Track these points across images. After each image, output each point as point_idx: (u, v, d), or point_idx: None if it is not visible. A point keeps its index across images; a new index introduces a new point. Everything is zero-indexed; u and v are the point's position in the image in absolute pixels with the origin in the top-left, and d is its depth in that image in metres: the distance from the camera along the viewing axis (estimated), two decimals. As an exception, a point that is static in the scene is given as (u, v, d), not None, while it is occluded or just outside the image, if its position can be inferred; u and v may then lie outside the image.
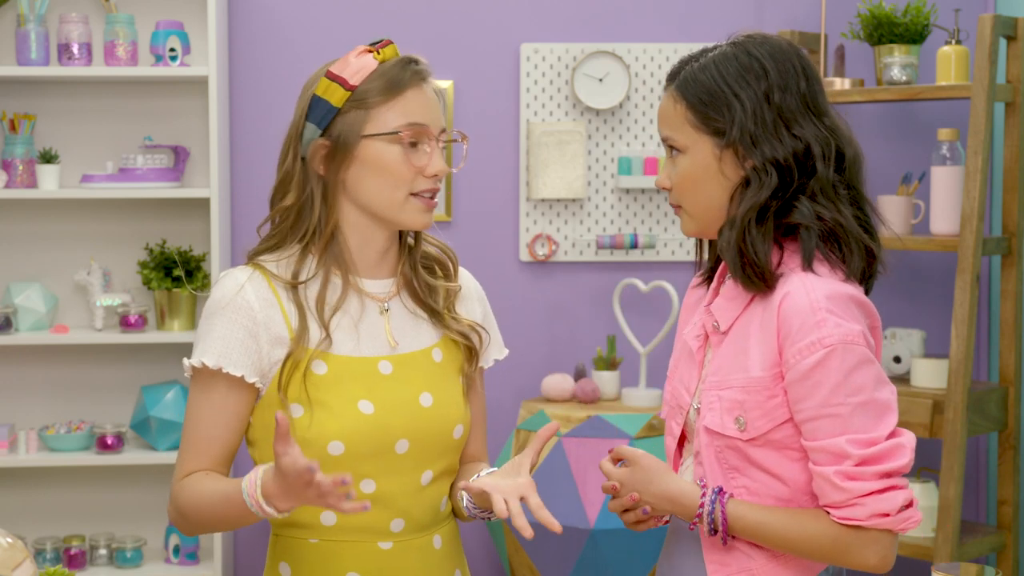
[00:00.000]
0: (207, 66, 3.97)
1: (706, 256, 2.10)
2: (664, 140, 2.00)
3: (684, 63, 1.99)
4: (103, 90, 4.19)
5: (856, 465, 1.85)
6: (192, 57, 4.13)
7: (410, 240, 2.14)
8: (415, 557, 2.06)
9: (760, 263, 1.91)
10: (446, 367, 2.12)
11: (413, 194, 2.04)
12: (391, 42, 2.07)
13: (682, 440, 2.07)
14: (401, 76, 2.03)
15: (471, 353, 2.15)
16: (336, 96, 2.02)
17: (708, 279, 2.10)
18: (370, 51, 2.05)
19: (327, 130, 2.03)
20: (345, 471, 2.02)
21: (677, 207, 2.01)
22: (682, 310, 2.15)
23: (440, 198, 4.25)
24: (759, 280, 1.92)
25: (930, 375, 3.87)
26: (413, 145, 2.03)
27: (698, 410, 1.98)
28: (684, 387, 2.03)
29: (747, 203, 1.91)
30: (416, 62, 2.06)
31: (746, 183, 1.92)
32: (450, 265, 2.18)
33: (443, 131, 2.07)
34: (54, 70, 3.94)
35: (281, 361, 2.02)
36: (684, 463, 2.06)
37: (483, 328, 2.18)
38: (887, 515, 1.85)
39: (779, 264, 1.94)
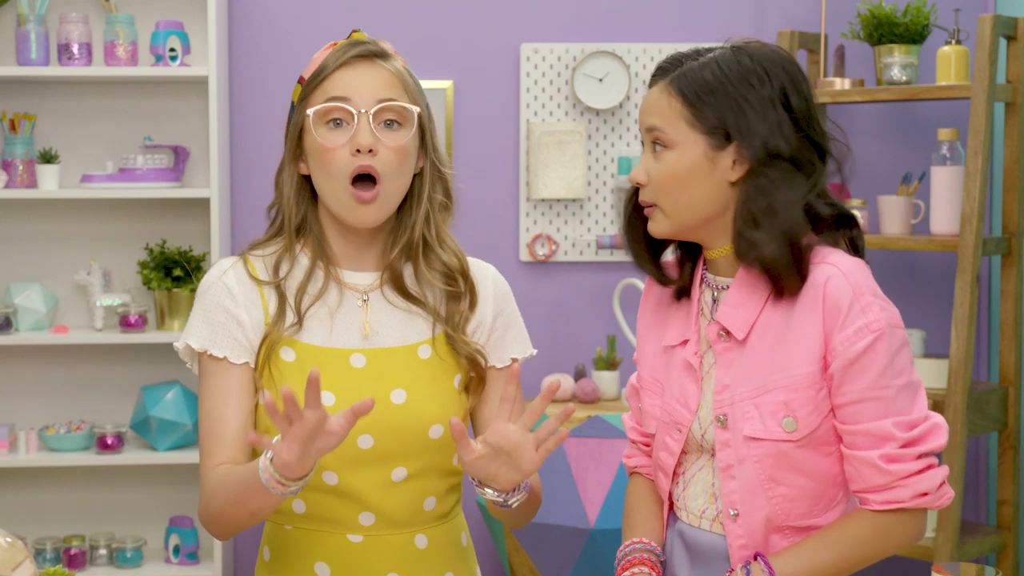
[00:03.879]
0: (207, 66, 3.97)
1: (668, 256, 2.04)
2: (649, 130, 1.93)
3: (679, 60, 1.94)
4: (103, 90, 4.19)
5: (900, 447, 1.86)
6: (192, 57, 4.13)
7: (427, 235, 2.07)
8: (389, 554, 2.04)
9: (806, 256, 1.88)
10: (434, 365, 2.07)
11: (353, 184, 1.99)
12: (356, 31, 2.08)
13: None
14: (331, 59, 2.01)
15: (478, 381, 2.11)
16: (296, 94, 2.07)
17: (679, 287, 2.04)
18: (333, 45, 2.07)
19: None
20: None
21: (651, 206, 1.94)
22: (643, 320, 2.09)
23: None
24: (801, 278, 1.88)
25: (930, 375, 3.87)
26: (337, 125, 2.00)
27: (724, 423, 1.92)
28: (679, 402, 1.98)
29: (795, 192, 1.87)
30: (362, 43, 2.03)
31: (753, 183, 1.88)
32: (463, 278, 2.11)
33: (381, 103, 1.98)
34: (54, 70, 3.94)
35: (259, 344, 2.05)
36: (687, 477, 2.01)
37: (484, 354, 2.11)
38: (927, 494, 1.87)
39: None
